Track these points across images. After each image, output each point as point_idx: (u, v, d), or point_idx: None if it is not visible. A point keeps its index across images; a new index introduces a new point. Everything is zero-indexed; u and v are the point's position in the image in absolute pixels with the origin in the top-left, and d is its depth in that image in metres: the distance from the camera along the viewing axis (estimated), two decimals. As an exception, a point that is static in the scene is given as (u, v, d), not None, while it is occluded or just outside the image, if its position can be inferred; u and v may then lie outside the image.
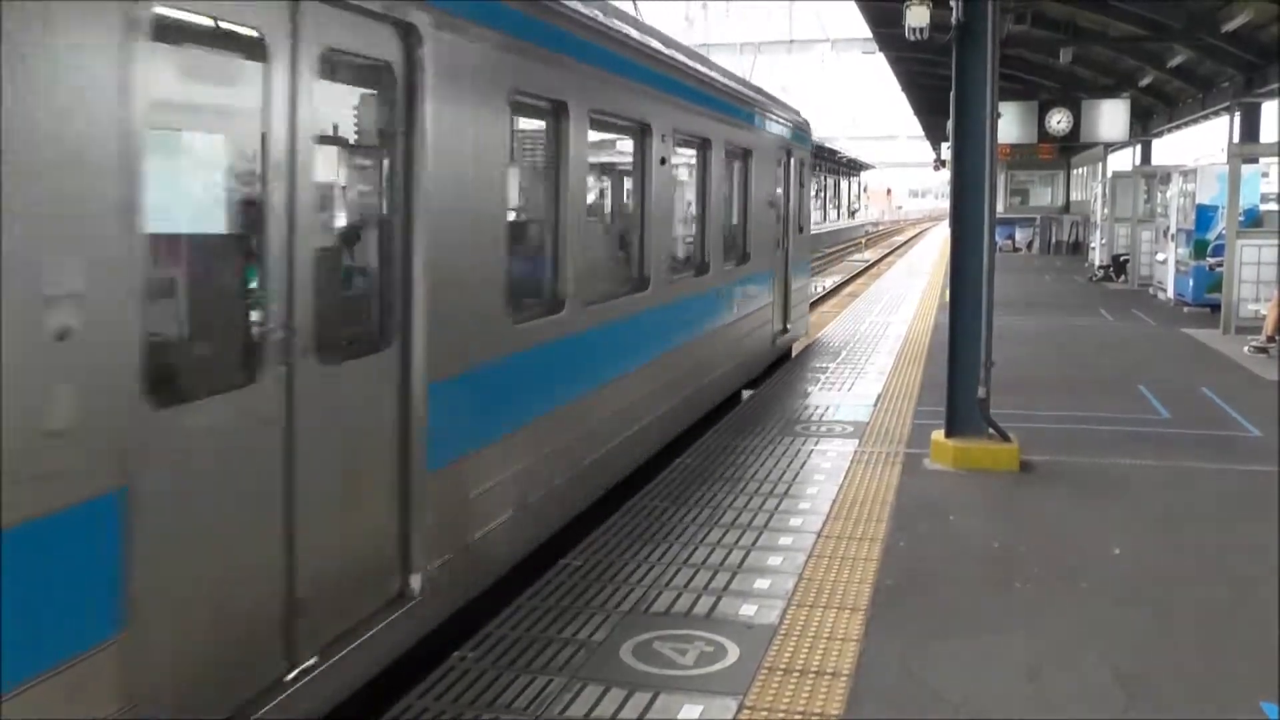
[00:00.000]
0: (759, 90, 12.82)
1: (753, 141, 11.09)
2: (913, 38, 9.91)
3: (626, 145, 7.91)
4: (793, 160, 13.32)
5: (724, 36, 42.25)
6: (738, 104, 10.67)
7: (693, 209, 9.53)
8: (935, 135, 44.90)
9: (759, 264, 11.44)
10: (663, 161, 7.82)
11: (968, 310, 8.08)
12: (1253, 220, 16.66)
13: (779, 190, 12.68)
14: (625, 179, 8.32)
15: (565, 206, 6.17)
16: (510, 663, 4.60)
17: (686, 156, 9.20)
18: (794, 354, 14.03)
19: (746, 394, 11.51)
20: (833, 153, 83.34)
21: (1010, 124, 22.01)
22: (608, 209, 8.59)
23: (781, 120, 12.94)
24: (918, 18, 9.78)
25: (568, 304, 6.16)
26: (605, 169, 8.23)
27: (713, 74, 9.91)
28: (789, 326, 13.18)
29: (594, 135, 6.71)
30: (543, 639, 4.83)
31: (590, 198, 7.00)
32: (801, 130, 14.33)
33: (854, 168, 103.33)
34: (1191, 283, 18.16)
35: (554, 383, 5.97)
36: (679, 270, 8.75)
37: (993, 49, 8.00)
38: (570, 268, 6.21)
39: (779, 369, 12.76)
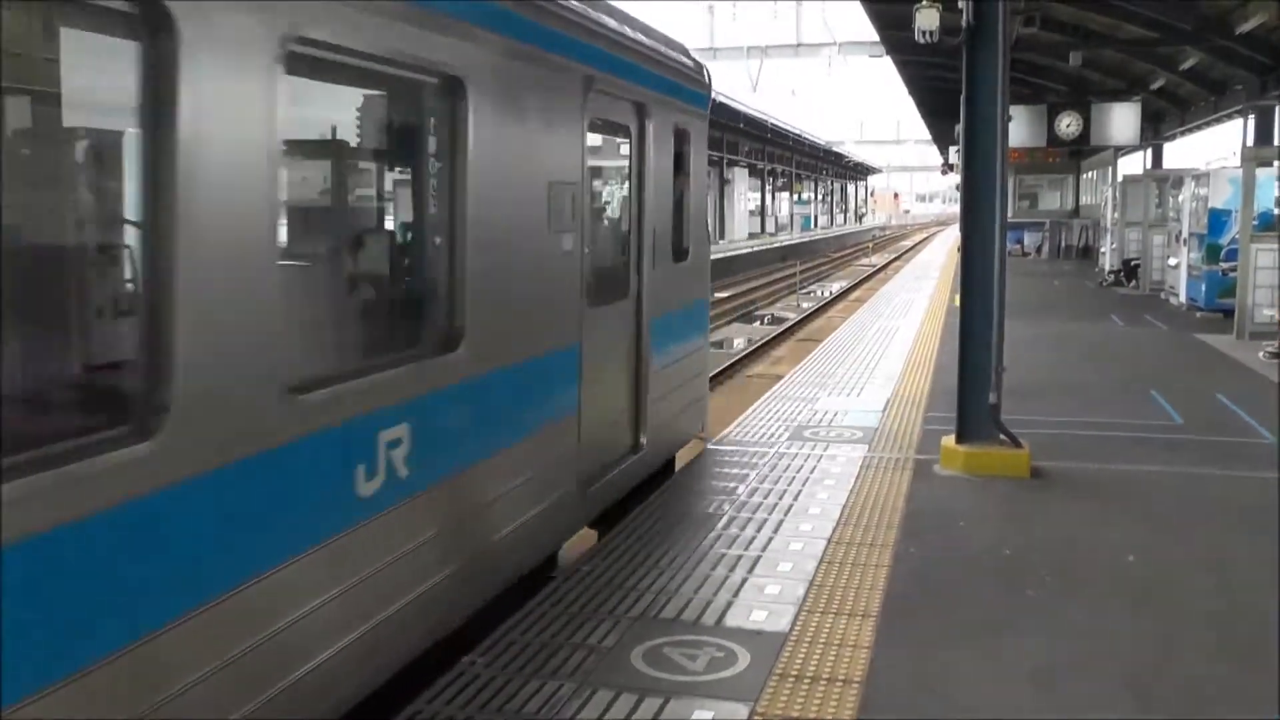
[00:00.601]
0: None
1: (485, 64, 4.80)
2: (922, 40, 9.86)
3: None
4: (650, 125, 7.03)
5: (731, 40, 42.35)
6: None
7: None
8: (943, 139, 44.90)
9: (508, 349, 5.17)
10: None
11: (978, 315, 8.05)
12: (1266, 224, 16.58)
13: (605, 185, 7.32)
14: None
15: None
16: (520, 668, 4.57)
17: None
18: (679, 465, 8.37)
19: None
20: (839, 156, 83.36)
21: (1019, 127, 21.98)
22: None
23: (612, 43, 6.45)
24: (928, 20, 9.73)
25: None
26: None
27: None
28: (643, 440, 7.11)
29: None
30: (552, 644, 4.81)
31: None
32: (681, 77, 7.97)
33: (860, 172, 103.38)
34: (1204, 287, 18.08)
35: None
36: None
37: (1003, 52, 7.97)
38: None
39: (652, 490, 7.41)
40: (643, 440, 7.15)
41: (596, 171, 6.75)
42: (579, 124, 5.95)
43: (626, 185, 7.11)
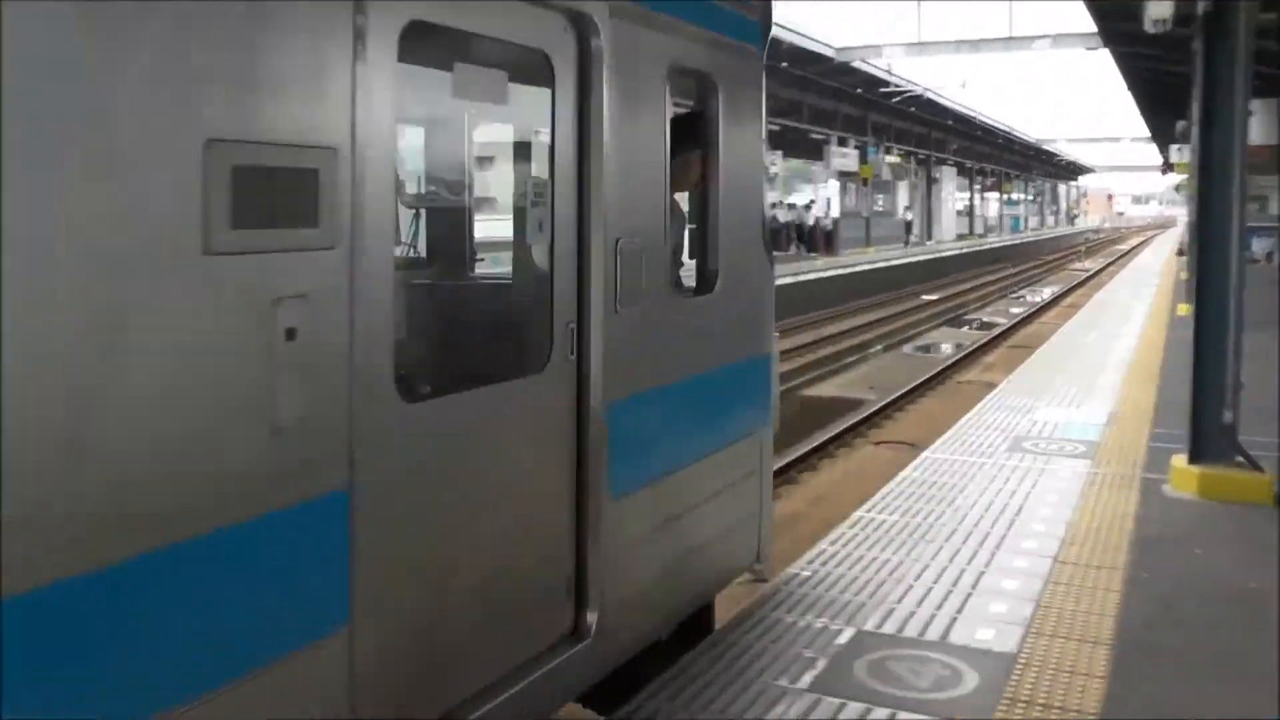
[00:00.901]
0: None
1: None
2: (1154, 30, 9.37)
3: None
4: (604, 52, 3.84)
5: (940, 35, 41.28)
6: None
7: None
8: (1163, 136, 42.34)
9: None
10: None
11: (1213, 326, 7.59)
12: None
13: (482, 158, 5.09)
14: None
15: None
16: (741, 671, 4.62)
17: None
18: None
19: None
20: (1050, 154, 80.00)
21: (1250, 123, 20.57)
22: None
23: None
24: (1160, 10, 9.25)
25: None
26: None
27: None
28: (591, 618, 3.99)
29: None
30: (772, 649, 4.83)
31: None
32: None
33: (1072, 171, 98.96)
34: None
35: None
36: None
37: (1245, 41, 7.47)
38: None
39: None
40: (590, 619, 4.01)
41: (446, 131, 4.16)
42: (345, 30, 2.82)
43: (548, 161, 3.85)
